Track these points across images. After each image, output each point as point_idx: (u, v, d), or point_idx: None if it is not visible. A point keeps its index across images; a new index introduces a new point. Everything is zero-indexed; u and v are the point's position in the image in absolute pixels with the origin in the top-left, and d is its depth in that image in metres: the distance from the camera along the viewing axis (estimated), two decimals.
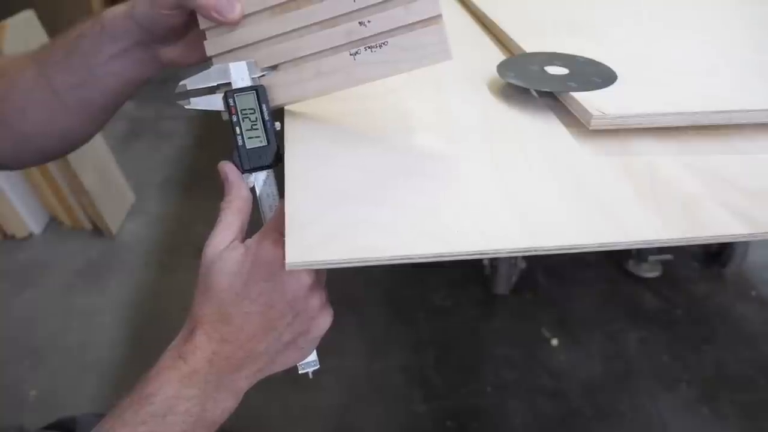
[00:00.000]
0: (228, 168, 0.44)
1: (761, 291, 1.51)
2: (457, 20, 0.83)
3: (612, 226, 0.39)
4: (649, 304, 1.46)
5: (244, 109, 0.44)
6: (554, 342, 1.36)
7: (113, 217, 1.68)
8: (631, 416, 1.20)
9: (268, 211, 0.45)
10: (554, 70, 0.58)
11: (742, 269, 1.56)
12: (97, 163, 1.63)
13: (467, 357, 1.33)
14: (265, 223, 0.44)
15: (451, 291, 1.49)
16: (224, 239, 0.41)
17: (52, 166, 1.53)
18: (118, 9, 0.47)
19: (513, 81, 0.57)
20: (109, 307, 1.43)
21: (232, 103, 0.43)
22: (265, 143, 0.44)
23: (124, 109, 2.11)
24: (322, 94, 0.48)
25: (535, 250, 0.37)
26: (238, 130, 0.43)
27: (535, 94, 0.58)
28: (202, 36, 0.46)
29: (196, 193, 1.84)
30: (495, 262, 1.43)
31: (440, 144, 0.50)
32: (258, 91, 0.44)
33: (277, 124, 0.45)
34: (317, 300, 0.42)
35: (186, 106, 0.44)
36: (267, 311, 0.40)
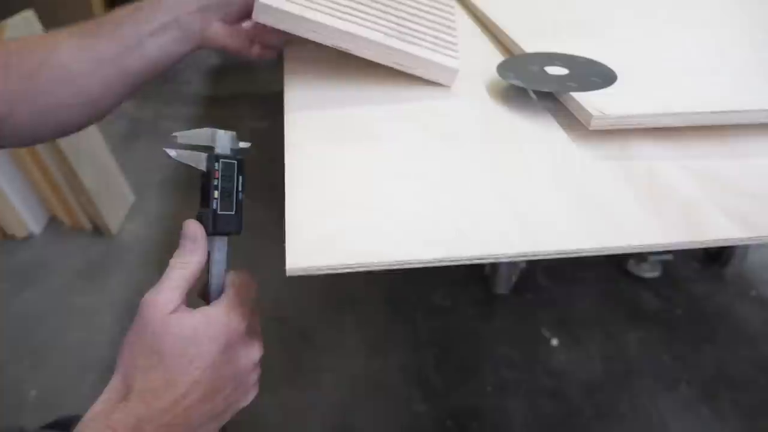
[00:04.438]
0: (196, 228, 0.43)
1: (761, 291, 1.51)
2: (457, 20, 0.83)
3: (611, 230, 0.39)
4: (649, 304, 1.46)
5: (225, 175, 0.44)
6: (554, 342, 1.36)
7: (113, 217, 1.68)
8: (631, 416, 1.20)
9: (216, 277, 0.45)
10: (554, 70, 0.58)
11: (741, 269, 1.56)
12: (97, 163, 1.63)
13: (467, 357, 1.33)
14: (210, 289, 0.44)
15: (451, 290, 1.49)
16: (171, 300, 0.40)
17: (52, 166, 1.53)
18: None
19: (513, 81, 0.57)
20: (109, 306, 1.43)
21: (216, 167, 0.44)
22: (233, 212, 0.45)
23: (124, 109, 2.11)
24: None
25: (535, 255, 0.37)
26: (215, 194, 0.44)
27: (533, 96, 0.58)
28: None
29: (196, 193, 1.84)
30: (495, 262, 1.43)
31: (440, 147, 0.50)
32: (239, 162, 0.45)
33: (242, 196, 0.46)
34: (257, 374, 0.43)
35: (170, 155, 0.44)
36: (214, 381, 0.39)
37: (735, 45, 0.70)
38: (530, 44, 0.66)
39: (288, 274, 0.35)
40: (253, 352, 0.41)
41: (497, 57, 0.69)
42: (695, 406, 1.22)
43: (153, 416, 0.36)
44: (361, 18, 0.61)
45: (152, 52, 0.52)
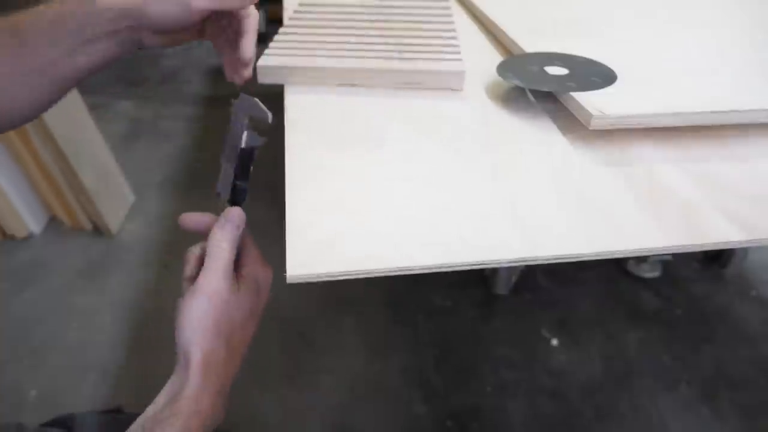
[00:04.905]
0: (241, 215, 0.46)
1: (761, 291, 1.51)
2: (456, 20, 0.84)
3: (611, 234, 0.39)
4: (649, 304, 1.46)
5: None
6: (554, 342, 1.36)
7: (113, 216, 1.68)
8: (631, 416, 1.20)
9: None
10: (554, 70, 0.58)
11: (741, 269, 1.56)
12: (97, 162, 1.63)
13: (467, 357, 1.33)
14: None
15: (451, 291, 1.49)
16: (225, 287, 0.43)
17: (52, 166, 1.53)
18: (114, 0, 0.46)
19: (512, 81, 0.57)
20: (109, 306, 1.43)
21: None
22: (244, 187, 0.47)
23: (124, 109, 2.11)
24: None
25: (535, 260, 0.37)
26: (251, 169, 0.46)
27: (532, 98, 0.58)
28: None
29: (196, 193, 1.84)
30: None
31: (440, 150, 0.50)
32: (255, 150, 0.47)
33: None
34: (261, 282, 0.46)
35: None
36: (252, 317, 0.44)
37: (735, 45, 0.70)
38: (530, 44, 0.66)
39: (288, 281, 0.35)
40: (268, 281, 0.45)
41: (497, 57, 0.69)
42: (695, 406, 1.22)
43: (219, 372, 0.41)
44: (360, 50, 0.62)
45: (85, 62, 0.48)
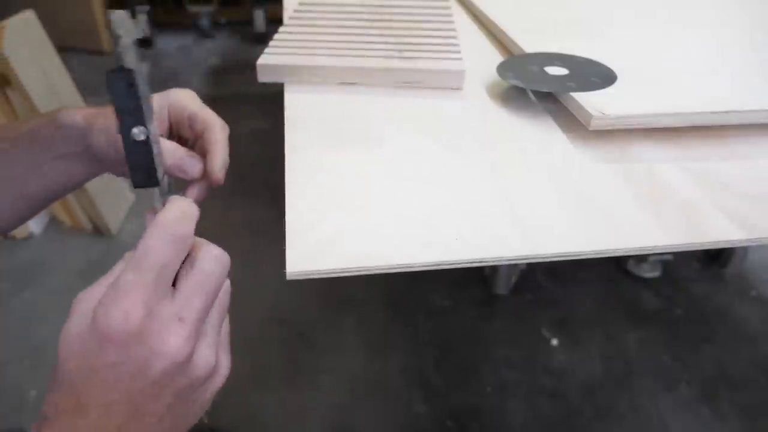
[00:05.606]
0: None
1: (761, 291, 1.51)
2: (456, 20, 0.84)
3: (611, 232, 0.39)
4: (649, 304, 1.46)
5: None
6: (554, 342, 1.36)
7: (113, 217, 1.68)
8: (631, 416, 1.20)
9: None
10: (554, 70, 0.58)
11: (741, 269, 1.56)
12: None
13: (467, 357, 1.33)
14: None
15: (451, 291, 1.49)
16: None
17: None
18: (77, 118, 0.43)
19: (513, 81, 0.57)
20: None
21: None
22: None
23: None
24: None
25: (534, 258, 0.37)
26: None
27: (532, 97, 0.58)
28: None
29: None
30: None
31: (440, 149, 0.50)
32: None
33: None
34: (203, 363, 0.30)
35: None
36: (131, 399, 0.28)
37: (735, 45, 0.70)
38: (530, 44, 0.66)
39: (288, 278, 0.35)
40: (168, 350, 0.28)
41: (497, 57, 0.69)
42: (695, 406, 1.22)
43: None
44: (360, 49, 0.62)
45: (54, 177, 0.46)
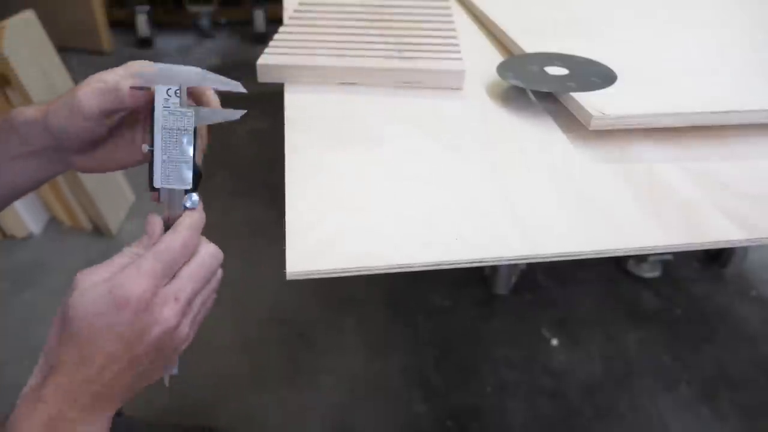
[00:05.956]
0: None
1: (761, 291, 1.51)
2: (456, 20, 0.84)
3: (611, 233, 0.39)
4: (649, 304, 1.46)
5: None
6: (554, 342, 1.36)
7: (113, 217, 1.68)
8: (631, 416, 1.20)
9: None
10: (554, 70, 0.58)
11: (741, 269, 1.56)
12: None
13: (467, 357, 1.33)
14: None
15: (451, 291, 1.49)
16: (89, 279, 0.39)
17: None
18: (29, 112, 0.44)
19: (513, 81, 0.57)
20: None
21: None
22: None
23: None
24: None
25: (534, 258, 0.37)
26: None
27: (532, 97, 0.58)
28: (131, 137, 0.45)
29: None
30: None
31: (440, 149, 0.50)
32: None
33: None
34: (183, 333, 0.39)
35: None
36: (131, 351, 0.37)
37: (735, 45, 0.70)
38: (530, 44, 0.66)
39: (288, 278, 0.35)
40: (165, 317, 0.37)
41: (497, 57, 0.69)
42: (695, 406, 1.22)
43: (79, 387, 0.37)
44: (360, 49, 0.62)
45: (12, 178, 0.47)
